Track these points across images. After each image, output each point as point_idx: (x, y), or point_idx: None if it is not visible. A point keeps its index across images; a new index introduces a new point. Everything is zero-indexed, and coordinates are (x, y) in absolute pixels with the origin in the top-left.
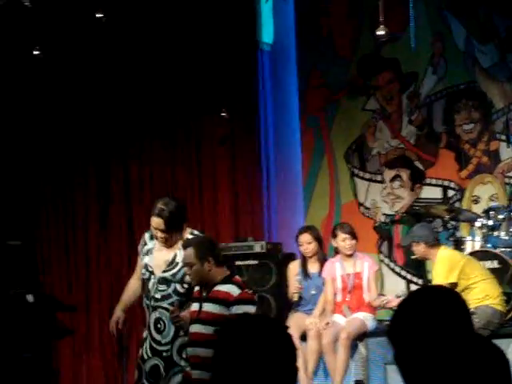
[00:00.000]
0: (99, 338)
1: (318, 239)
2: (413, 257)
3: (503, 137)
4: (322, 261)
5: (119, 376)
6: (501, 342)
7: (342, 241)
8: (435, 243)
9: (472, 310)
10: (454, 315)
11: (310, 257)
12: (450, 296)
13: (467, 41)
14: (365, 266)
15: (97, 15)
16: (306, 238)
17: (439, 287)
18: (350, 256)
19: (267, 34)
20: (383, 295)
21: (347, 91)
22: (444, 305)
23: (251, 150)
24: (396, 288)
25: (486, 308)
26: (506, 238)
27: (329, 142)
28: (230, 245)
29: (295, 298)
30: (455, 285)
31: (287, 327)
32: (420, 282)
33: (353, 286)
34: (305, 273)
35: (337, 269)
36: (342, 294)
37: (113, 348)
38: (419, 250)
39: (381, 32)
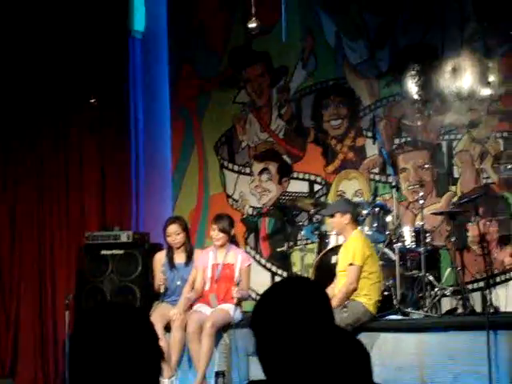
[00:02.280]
0: None
1: (186, 230)
2: (278, 249)
3: (369, 133)
4: (189, 252)
5: None
6: (369, 335)
7: (212, 231)
8: (356, 220)
9: (347, 302)
10: (316, 307)
11: (178, 247)
12: (312, 288)
13: (337, 37)
14: (238, 258)
15: None
16: (173, 228)
17: (302, 278)
18: (222, 247)
19: (139, 22)
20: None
21: (218, 83)
22: (305, 296)
23: (120, 139)
24: (260, 280)
25: (359, 305)
26: (370, 233)
27: (199, 133)
28: (95, 234)
29: (161, 289)
30: (361, 269)
31: (149, 316)
32: (284, 274)
33: (220, 276)
34: (171, 264)
35: (209, 258)
36: (210, 283)
37: None
38: (342, 221)
39: (252, 24)
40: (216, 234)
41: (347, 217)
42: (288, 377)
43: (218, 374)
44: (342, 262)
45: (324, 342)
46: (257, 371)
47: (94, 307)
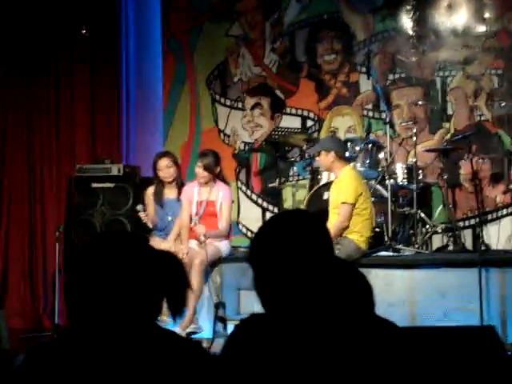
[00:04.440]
0: None
1: (177, 164)
2: (270, 185)
3: (364, 69)
4: (180, 186)
5: None
6: (360, 271)
7: (197, 168)
8: (344, 157)
9: (338, 239)
10: (315, 238)
11: (170, 182)
12: (311, 220)
13: None
14: (219, 195)
15: None
16: (164, 162)
17: (301, 211)
18: (207, 184)
19: None
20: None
21: (211, 15)
22: (304, 228)
23: (111, 71)
24: (251, 215)
25: (350, 242)
26: (362, 169)
27: (191, 66)
28: (86, 167)
29: (148, 224)
30: (353, 206)
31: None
32: (276, 210)
33: (204, 213)
34: (161, 198)
35: (194, 194)
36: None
37: None
38: (327, 159)
39: None
40: (200, 172)
41: (332, 154)
42: (288, 310)
43: (217, 305)
44: (334, 199)
45: (325, 273)
46: (247, 306)
47: (91, 237)
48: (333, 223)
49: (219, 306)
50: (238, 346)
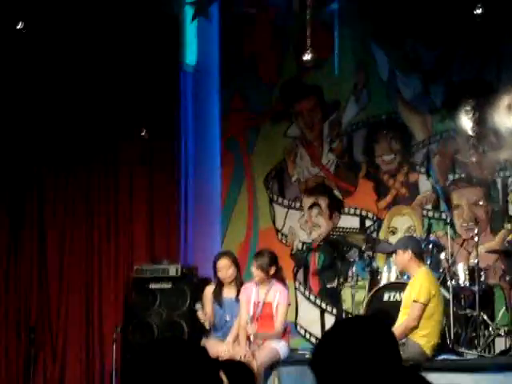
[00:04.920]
0: None
1: (236, 264)
2: (328, 285)
3: (423, 169)
4: (239, 286)
5: None
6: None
7: (253, 267)
8: (420, 257)
9: (405, 339)
10: (382, 348)
11: (229, 282)
12: (378, 327)
13: (390, 71)
14: (276, 296)
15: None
16: (224, 262)
17: (368, 317)
18: (263, 284)
19: (190, 55)
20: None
21: (269, 116)
22: (371, 335)
23: (170, 173)
24: (309, 316)
25: (416, 345)
26: None
27: (249, 167)
28: (144, 267)
29: (206, 325)
30: (424, 307)
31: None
32: (334, 310)
33: (261, 314)
34: (219, 299)
35: (252, 294)
36: (252, 321)
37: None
38: (404, 258)
39: (307, 56)
40: (254, 271)
41: (409, 253)
42: None
43: None
44: (407, 299)
45: (391, 382)
46: None
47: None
48: (401, 322)
49: None
50: None
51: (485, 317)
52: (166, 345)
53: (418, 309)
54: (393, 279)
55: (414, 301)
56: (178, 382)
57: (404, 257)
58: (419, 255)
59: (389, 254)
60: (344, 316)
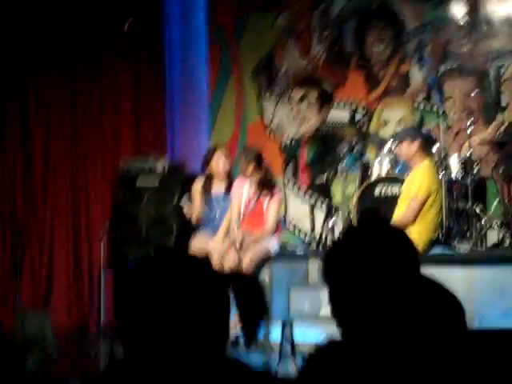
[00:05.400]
0: None
1: (229, 158)
2: (318, 180)
3: (414, 60)
4: (230, 181)
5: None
6: None
7: (241, 163)
8: (427, 150)
9: None
10: (400, 255)
11: (220, 177)
12: (395, 234)
13: None
14: (267, 193)
15: None
16: (220, 155)
17: (383, 223)
18: (253, 181)
19: None
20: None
21: (257, 5)
22: (388, 242)
23: (155, 65)
24: (299, 212)
25: None
26: None
27: (236, 58)
28: (131, 164)
29: (195, 220)
30: (423, 202)
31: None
32: (324, 205)
33: (252, 212)
34: (209, 194)
35: (244, 190)
36: (242, 219)
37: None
38: (411, 148)
39: None
40: (242, 164)
41: (416, 144)
42: (370, 334)
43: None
44: (406, 191)
45: (411, 293)
46: (298, 305)
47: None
48: (397, 216)
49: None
50: (314, 378)
51: (477, 209)
52: (167, 259)
53: (416, 205)
54: (384, 173)
55: (413, 197)
56: (182, 300)
57: (411, 147)
58: (426, 148)
59: (380, 148)
60: (333, 210)
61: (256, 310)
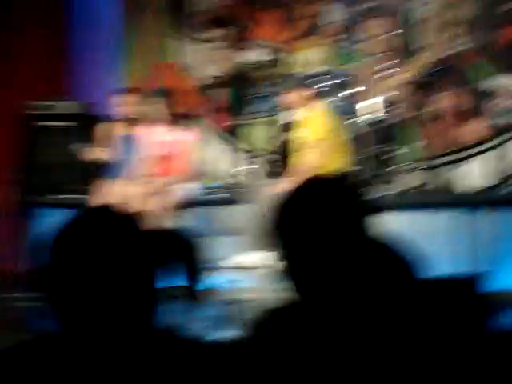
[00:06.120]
0: None
1: (142, 102)
2: (235, 122)
3: None
4: (143, 124)
5: None
6: None
7: (154, 105)
8: (316, 94)
9: None
10: (354, 209)
11: (133, 119)
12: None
13: None
14: (182, 135)
15: None
16: (129, 98)
17: (336, 177)
18: (167, 122)
19: None
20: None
21: None
22: (342, 197)
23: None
24: (216, 154)
25: None
26: (334, 104)
27: None
28: (34, 104)
29: (100, 164)
30: (325, 145)
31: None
32: (241, 149)
33: (167, 154)
34: (122, 136)
35: (155, 133)
36: (158, 161)
37: None
38: (297, 96)
39: None
40: (157, 110)
41: (302, 91)
42: (323, 292)
43: None
44: (304, 136)
45: (367, 247)
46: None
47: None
48: (304, 162)
49: None
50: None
51: (398, 151)
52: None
53: (319, 147)
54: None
55: (314, 140)
56: (105, 261)
57: (297, 95)
58: (315, 92)
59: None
60: (252, 154)
61: (189, 262)
